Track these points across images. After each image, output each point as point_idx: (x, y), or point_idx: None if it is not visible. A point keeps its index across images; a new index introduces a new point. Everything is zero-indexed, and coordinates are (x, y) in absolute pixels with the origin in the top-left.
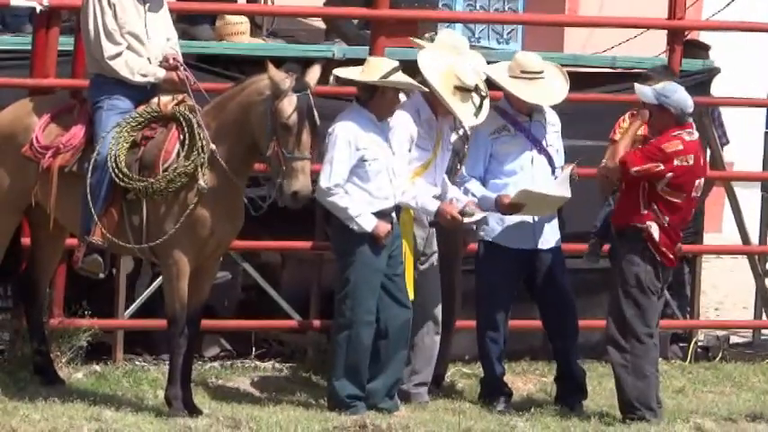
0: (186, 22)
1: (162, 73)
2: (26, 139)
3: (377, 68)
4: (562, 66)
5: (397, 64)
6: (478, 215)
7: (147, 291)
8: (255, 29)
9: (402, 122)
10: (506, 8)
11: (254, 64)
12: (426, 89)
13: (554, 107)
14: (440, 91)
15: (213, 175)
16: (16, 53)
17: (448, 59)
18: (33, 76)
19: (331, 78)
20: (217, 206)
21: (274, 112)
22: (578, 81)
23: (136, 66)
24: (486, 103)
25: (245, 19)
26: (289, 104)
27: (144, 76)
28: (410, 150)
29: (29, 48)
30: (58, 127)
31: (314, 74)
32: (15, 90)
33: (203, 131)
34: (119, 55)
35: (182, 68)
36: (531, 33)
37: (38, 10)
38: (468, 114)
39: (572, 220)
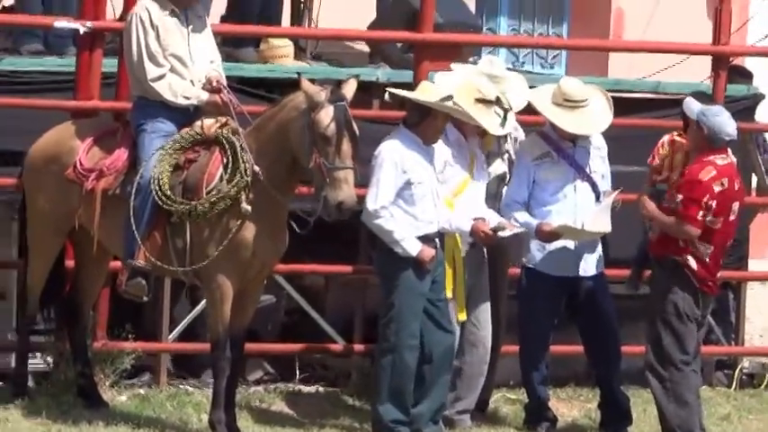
0: (230, 45)
1: (205, 96)
2: (69, 161)
3: (433, 92)
4: (606, 91)
5: (451, 92)
6: (512, 231)
7: (191, 314)
8: (299, 52)
9: (436, 146)
10: (551, 33)
11: (297, 87)
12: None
13: (603, 132)
14: (462, 103)
15: (256, 197)
16: (60, 75)
17: (465, 75)
18: (77, 99)
19: (386, 95)
20: (260, 229)
21: (312, 124)
22: (622, 106)
23: (179, 88)
24: (512, 115)
25: (289, 42)
26: (326, 115)
27: (187, 98)
28: (443, 172)
29: (72, 70)
30: (102, 150)
31: (350, 87)
32: (58, 112)
33: (246, 154)
34: (162, 77)
35: (225, 91)
36: (575, 58)
37: (81, 32)
38: (494, 125)
39: (615, 246)
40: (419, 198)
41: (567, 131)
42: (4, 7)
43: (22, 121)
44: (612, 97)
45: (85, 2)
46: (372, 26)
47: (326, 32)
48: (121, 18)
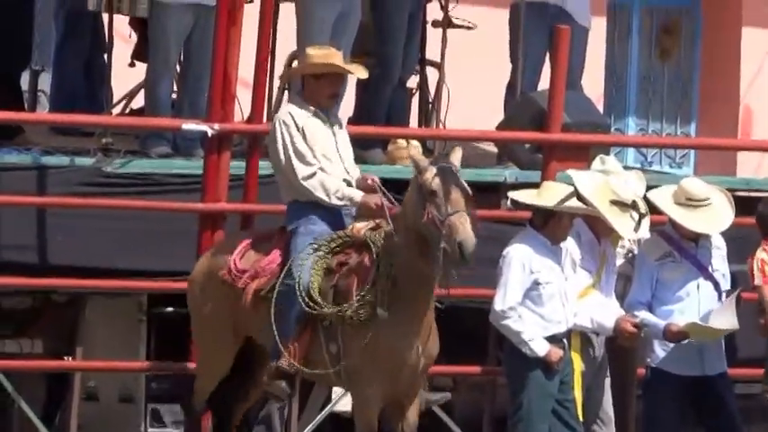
0: (358, 147)
1: (359, 196)
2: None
3: (554, 193)
4: (734, 190)
5: (572, 189)
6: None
7: (319, 416)
8: (427, 153)
9: (563, 246)
10: (679, 132)
11: None
12: (595, 214)
13: (723, 232)
14: (596, 204)
15: (400, 302)
16: (188, 177)
17: (603, 176)
18: (205, 201)
19: (507, 202)
20: (404, 333)
21: (420, 185)
22: (750, 205)
23: (331, 187)
24: (646, 220)
25: (416, 143)
26: (430, 173)
27: (340, 198)
28: (575, 273)
29: (200, 172)
30: (257, 253)
31: (456, 154)
32: (186, 214)
33: (388, 258)
34: (312, 175)
35: (380, 192)
36: (704, 157)
37: (209, 134)
38: (628, 228)
39: (739, 344)
40: (547, 298)
41: (691, 231)
42: (132, 110)
43: (148, 222)
44: (741, 197)
45: (213, 104)
46: (500, 126)
47: (454, 133)
48: (249, 120)
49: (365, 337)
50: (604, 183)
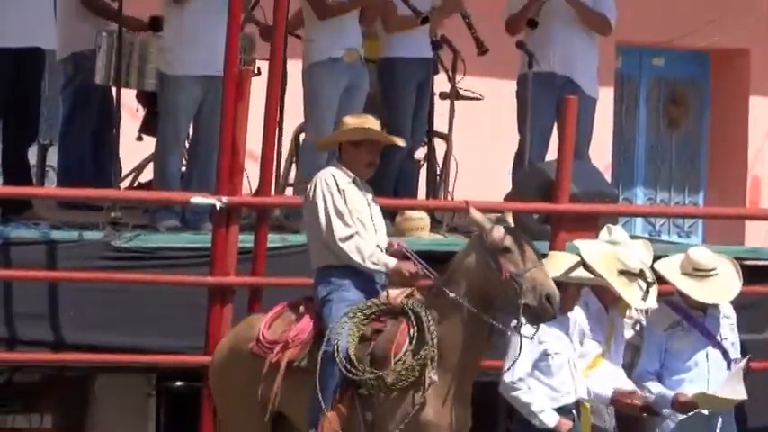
0: None
1: (393, 262)
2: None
3: (561, 263)
4: (742, 259)
5: (578, 259)
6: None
7: None
8: (435, 224)
9: (571, 316)
10: (687, 201)
11: (434, 260)
12: (602, 283)
13: (733, 300)
14: (604, 274)
15: (442, 369)
16: (196, 251)
17: (610, 246)
18: (213, 274)
19: None
20: (443, 403)
21: (490, 244)
22: (759, 274)
23: (366, 251)
24: (654, 289)
25: (425, 215)
26: (498, 231)
27: (375, 263)
28: (582, 344)
29: (209, 245)
30: (284, 323)
31: (509, 217)
32: (195, 288)
33: (432, 325)
34: (350, 237)
35: (412, 259)
36: (712, 226)
37: (218, 207)
38: (636, 298)
39: (750, 413)
40: (556, 369)
41: (698, 301)
42: (140, 184)
43: (157, 296)
44: (749, 265)
45: (222, 177)
46: (508, 197)
47: (462, 204)
48: (257, 193)
49: (404, 405)
50: (612, 252)
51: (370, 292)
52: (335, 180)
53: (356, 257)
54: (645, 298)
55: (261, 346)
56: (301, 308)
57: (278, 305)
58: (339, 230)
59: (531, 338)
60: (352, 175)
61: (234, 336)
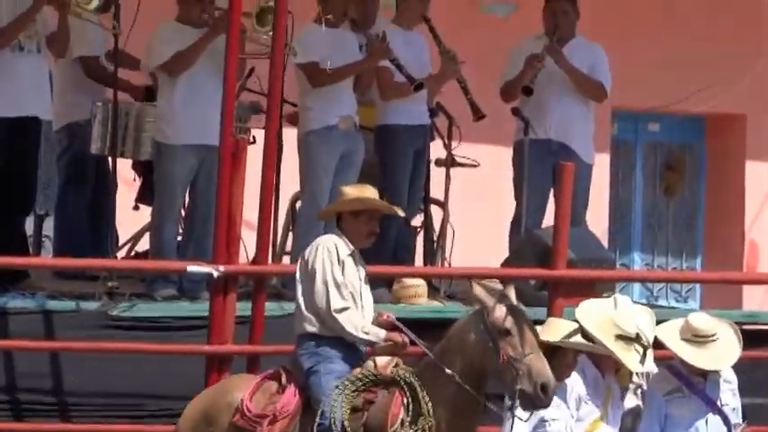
0: None
1: (383, 333)
2: (229, 416)
3: (558, 329)
4: (740, 323)
5: (576, 326)
6: None
7: None
8: (433, 291)
9: (568, 382)
10: (684, 266)
11: (432, 327)
12: (601, 351)
13: (734, 365)
14: (602, 340)
15: None
16: (193, 320)
17: (606, 311)
18: (211, 343)
19: None
20: None
21: (490, 325)
22: (757, 338)
23: (359, 323)
24: (650, 353)
25: (422, 282)
26: (500, 311)
27: (367, 333)
28: (578, 410)
29: (206, 314)
30: (264, 395)
31: (512, 292)
32: (193, 357)
33: (426, 395)
34: (345, 309)
35: (401, 329)
36: (710, 291)
37: (214, 276)
38: (633, 361)
39: None
40: None
41: (697, 367)
42: (137, 253)
43: (154, 364)
44: (747, 330)
45: (218, 246)
46: (505, 263)
47: (459, 271)
48: (254, 261)
49: None
50: (608, 318)
51: (353, 364)
52: (337, 249)
53: (350, 329)
54: (642, 362)
55: (246, 419)
56: (283, 379)
57: (258, 376)
58: (336, 302)
59: (526, 421)
60: (352, 247)
61: (208, 401)
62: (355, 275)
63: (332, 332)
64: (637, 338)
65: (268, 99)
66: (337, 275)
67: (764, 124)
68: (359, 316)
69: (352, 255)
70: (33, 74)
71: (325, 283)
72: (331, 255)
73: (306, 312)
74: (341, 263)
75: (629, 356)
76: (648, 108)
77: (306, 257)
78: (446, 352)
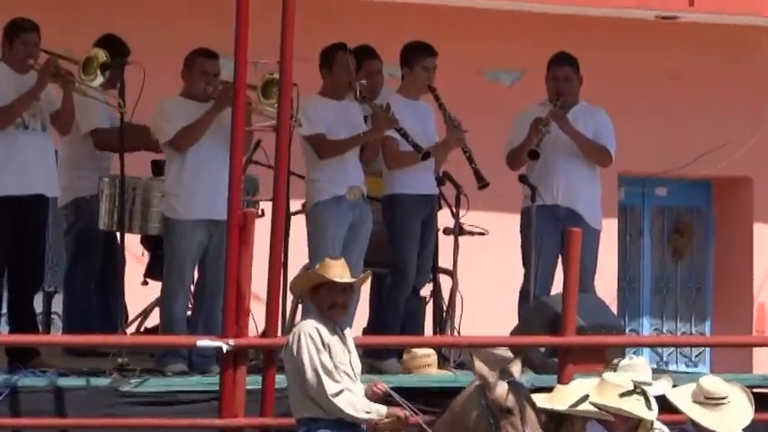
0: (373, 357)
1: (384, 410)
2: None
3: (565, 397)
4: (752, 387)
5: (586, 393)
6: None
7: None
8: (443, 361)
9: None
10: (694, 331)
11: (443, 396)
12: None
13: (745, 428)
14: (607, 404)
15: None
16: (204, 394)
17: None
18: (222, 417)
19: None
20: None
21: (491, 402)
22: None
23: (358, 403)
24: (650, 391)
25: (432, 351)
26: (501, 388)
27: (368, 412)
28: None
29: (217, 388)
30: None
31: (516, 367)
32: (205, 431)
33: None
34: (341, 392)
35: (393, 398)
36: (720, 355)
37: (224, 350)
38: (645, 410)
39: None
40: None
41: (710, 429)
42: (147, 328)
43: None
44: (758, 393)
45: (228, 320)
46: (515, 332)
47: (469, 340)
48: (263, 335)
49: None
50: (601, 382)
51: None
52: (320, 334)
53: (350, 411)
54: (649, 406)
55: None
56: None
57: None
58: (330, 387)
59: None
60: (332, 325)
61: None
62: (342, 351)
63: (332, 415)
64: (635, 388)
65: (275, 171)
66: (326, 361)
67: None
68: (357, 396)
69: (333, 332)
70: (39, 152)
71: (315, 371)
72: (315, 341)
73: (299, 397)
74: (326, 346)
75: (638, 407)
76: (655, 173)
77: (290, 344)
78: (447, 426)
